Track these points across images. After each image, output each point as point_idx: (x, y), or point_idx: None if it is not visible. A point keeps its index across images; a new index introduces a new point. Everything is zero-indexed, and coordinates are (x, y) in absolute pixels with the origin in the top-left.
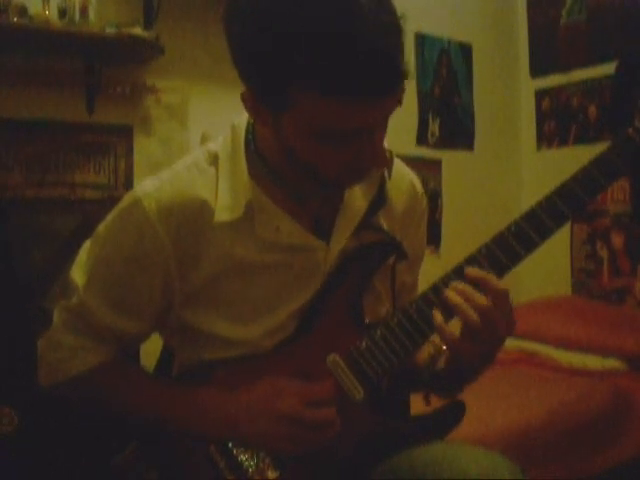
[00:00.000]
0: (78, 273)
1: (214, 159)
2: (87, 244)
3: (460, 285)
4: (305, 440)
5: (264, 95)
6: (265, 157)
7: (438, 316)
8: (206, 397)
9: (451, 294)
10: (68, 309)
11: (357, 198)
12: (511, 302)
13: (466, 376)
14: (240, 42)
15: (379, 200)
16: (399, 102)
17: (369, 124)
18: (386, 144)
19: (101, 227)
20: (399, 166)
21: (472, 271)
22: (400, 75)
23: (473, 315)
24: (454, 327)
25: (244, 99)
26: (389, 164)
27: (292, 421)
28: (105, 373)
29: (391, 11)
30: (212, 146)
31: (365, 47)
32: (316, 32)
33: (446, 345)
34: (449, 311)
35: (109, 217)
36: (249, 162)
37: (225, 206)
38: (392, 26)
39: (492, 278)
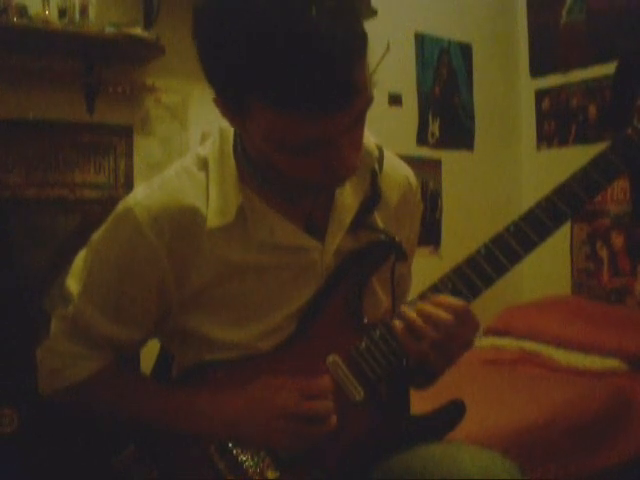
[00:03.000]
0: (74, 282)
1: (203, 164)
2: (82, 253)
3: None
4: (304, 434)
5: (226, 102)
6: (252, 159)
7: (398, 325)
8: (205, 400)
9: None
10: (65, 318)
11: (347, 196)
12: (472, 315)
13: (431, 374)
14: (200, 50)
15: (373, 197)
16: (365, 110)
17: (326, 137)
18: (373, 140)
19: (95, 236)
20: (391, 159)
21: (432, 297)
22: (349, 93)
23: (434, 333)
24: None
25: (216, 103)
26: (380, 166)
27: (290, 415)
28: (104, 380)
29: (348, 24)
30: (201, 150)
31: (311, 63)
32: (264, 46)
33: (411, 355)
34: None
35: (103, 226)
36: (238, 165)
37: (216, 211)
38: (347, 41)
39: (449, 299)
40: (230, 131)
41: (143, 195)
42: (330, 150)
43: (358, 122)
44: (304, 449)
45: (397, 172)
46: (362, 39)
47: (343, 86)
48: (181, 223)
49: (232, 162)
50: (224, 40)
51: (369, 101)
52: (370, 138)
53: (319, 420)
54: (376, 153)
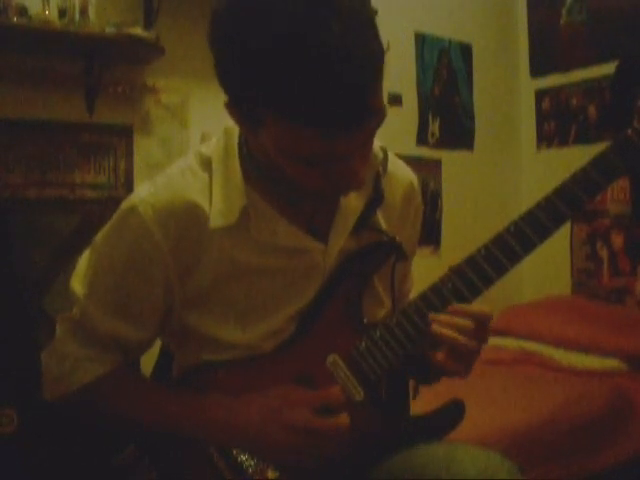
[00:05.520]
0: (78, 283)
1: (207, 164)
2: (86, 254)
3: (442, 316)
4: (317, 450)
5: (239, 109)
6: (257, 160)
7: (440, 355)
8: (215, 408)
9: (436, 327)
10: (70, 320)
11: (352, 198)
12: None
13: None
14: (216, 56)
15: (376, 198)
16: (378, 127)
17: (337, 154)
18: (378, 142)
19: (99, 236)
20: (394, 161)
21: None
22: (366, 111)
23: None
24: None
25: (227, 108)
26: (384, 167)
27: (304, 432)
28: (111, 383)
29: (368, 43)
30: (204, 150)
31: (328, 82)
32: (281, 60)
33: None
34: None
35: (107, 226)
36: (243, 165)
37: (220, 211)
38: (365, 61)
39: (471, 306)
40: (235, 131)
41: (147, 193)
42: (340, 164)
43: (369, 138)
44: (314, 465)
45: (400, 173)
46: (380, 58)
47: (358, 106)
48: (185, 220)
49: (237, 162)
50: (242, 50)
51: (382, 118)
52: (375, 141)
53: (332, 438)
54: (380, 156)
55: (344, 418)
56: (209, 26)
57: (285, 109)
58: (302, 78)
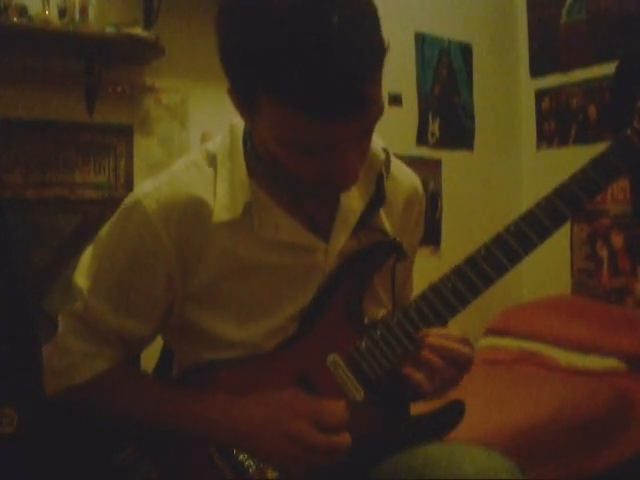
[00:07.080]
0: (81, 278)
1: (212, 159)
2: (89, 249)
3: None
4: (314, 462)
5: (238, 95)
6: (260, 156)
7: (417, 375)
8: (216, 407)
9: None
10: (73, 315)
11: (354, 198)
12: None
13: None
14: (219, 40)
15: (377, 199)
16: (374, 121)
17: (332, 143)
18: (381, 143)
19: (103, 231)
20: (398, 164)
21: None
22: (365, 101)
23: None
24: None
25: (229, 94)
26: (386, 169)
27: (303, 445)
28: (113, 379)
29: (367, 36)
30: (210, 146)
31: (324, 70)
32: (280, 45)
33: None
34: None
35: (110, 220)
36: (247, 161)
37: (223, 206)
38: (363, 53)
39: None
40: (240, 128)
41: (152, 188)
42: (334, 155)
43: (366, 133)
44: (312, 475)
45: (405, 178)
46: (379, 52)
47: (353, 97)
48: (189, 215)
49: (241, 158)
50: (242, 32)
51: (379, 113)
52: (378, 141)
53: (329, 454)
54: (382, 156)
55: (345, 437)
56: (217, 15)
57: (285, 95)
58: (302, 66)
